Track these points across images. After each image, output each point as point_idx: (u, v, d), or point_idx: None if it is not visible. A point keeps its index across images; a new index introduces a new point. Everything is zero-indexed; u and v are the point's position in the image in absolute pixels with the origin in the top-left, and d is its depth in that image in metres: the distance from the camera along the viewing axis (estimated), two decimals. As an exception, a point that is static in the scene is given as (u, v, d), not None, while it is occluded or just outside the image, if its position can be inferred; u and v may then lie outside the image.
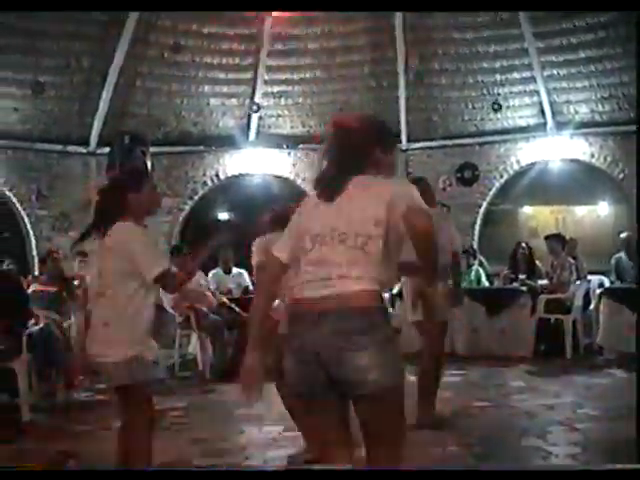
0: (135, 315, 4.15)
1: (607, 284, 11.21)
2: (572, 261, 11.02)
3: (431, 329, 6.61)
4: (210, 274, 11.22)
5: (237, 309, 10.11)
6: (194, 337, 10.14)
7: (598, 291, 10.83)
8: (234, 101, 13.85)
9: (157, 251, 4.24)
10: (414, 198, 3.08)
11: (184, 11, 12.17)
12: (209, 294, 10.22)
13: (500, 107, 13.42)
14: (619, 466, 4.07)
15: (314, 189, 3.32)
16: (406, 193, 3.12)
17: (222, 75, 13.55)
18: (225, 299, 10.35)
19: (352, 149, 3.24)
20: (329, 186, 3.20)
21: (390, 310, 11.39)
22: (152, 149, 12.17)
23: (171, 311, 10.00)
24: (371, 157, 3.24)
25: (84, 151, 13.27)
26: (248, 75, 13.60)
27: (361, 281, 3.03)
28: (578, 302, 10.64)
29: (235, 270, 11.48)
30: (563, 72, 13.02)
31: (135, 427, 4.27)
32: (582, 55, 12.73)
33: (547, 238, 11.30)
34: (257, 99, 13.57)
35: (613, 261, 11.47)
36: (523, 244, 11.73)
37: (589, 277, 11.68)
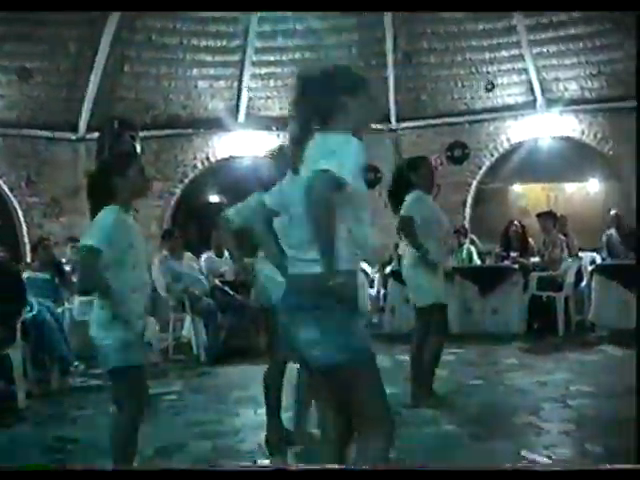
0: (123, 298, 4.14)
1: (598, 261, 11.23)
2: (563, 238, 11.06)
3: (437, 314, 6.64)
4: (202, 257, 11.21)
5: (230, 292, 10.11)
6: (188, 320, 10.13)
7: (590, 268, 10.87)
8: (222, 83, 13.81)
9: (95, 229, 4.16)
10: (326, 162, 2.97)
11: (184, 11, 12.22)
12: (202, 277, 10.22)
13: (493, 87, 13.42)
14: (619, 466, 4.09)
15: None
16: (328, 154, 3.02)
17: (210, 57, 13.50)
18: (218, 282, 10.35)
19: (314, 98, 3.20)
20: (293, 156, 3.22)
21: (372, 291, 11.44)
22: (141, 133, 12.14)
23: (164, 295, 10.00)
24: (336, 103, 3.18)
25: (73, 137, 13.23)
26: (236, 57, 13.55)
27: (313, 262, 3.04)
28: (570, 279, 10.67)
29: (227, 253, 11.47)
30: (552, 49, 13.01)
31: (124, 411, 4.29)
32: (571, 32, 12.72)
33: (539, 216, 11.32)
34: (245, 81, 13.53)
35: (604, 238, 11.50)
36: (515, 222, 11.76)
37: (580, 254, 11.71)
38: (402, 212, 6.48)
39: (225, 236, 5.83)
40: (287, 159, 4.43)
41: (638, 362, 4.00)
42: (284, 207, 3.40)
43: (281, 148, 5.42)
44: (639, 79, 5.64)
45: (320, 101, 3.19)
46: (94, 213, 4.28)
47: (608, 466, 4.13)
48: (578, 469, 3.96)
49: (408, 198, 6.52)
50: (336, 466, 3.15)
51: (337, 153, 2.98)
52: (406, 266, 6.72)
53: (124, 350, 4.14)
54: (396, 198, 6.72)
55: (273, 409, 5.48)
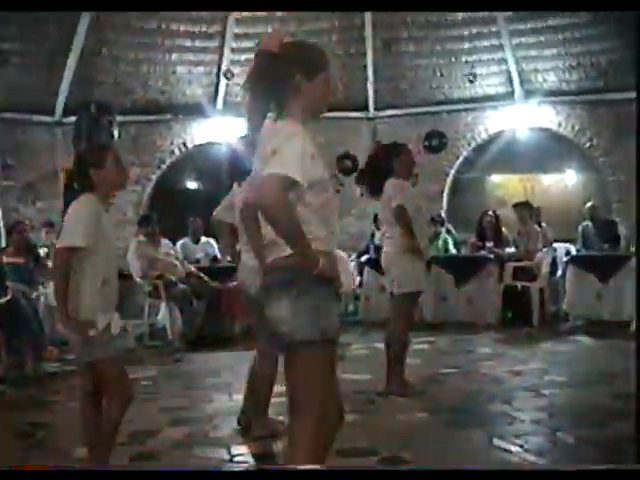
0: (87, 289, 4.12)
1: (573, 252, 11.30)
2: (539, 229, 11.13)
3: (409, 300, 6.64)
4: (178, 244, 11.23)
5: (206, 278, 10.11)
6: (163, 306, 10.11)
7: (565, 259, 10.94)
8: (201, 69, 13.74)
9: (75, 226, 4.11)
10: (273, 162, 2.95)
11: (180, 11, 12.20)
12: (178, 264, 10.20)
13: (475, 78, 13.38)
14: (619, 466, 4.13)
15: None
16: (275, 151, 2.98)
17: (189, 43, 13.42)
18: (194, 268, 10.34)
19: (266, 77, 3.13)
20: (249, 139, 3.24)
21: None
22: (119, 118, 12.08)
23: (139, 281, 9.98)
24: (289, 84, 3.11)
25: (50, 120, 13.11)
26: (215, 43, 13.48)
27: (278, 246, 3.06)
28: (545, 269, 10.74)
29: (203, 239, 11.49)
30: (531, 40, 13.03)
31: (109, 400, 4.27)
32: (550, 23, 12.73)
33: (515, 206, 11.38)
34: (224, 67, 13.47)
35: (580, 229, 11.56)
36: (490, 212, 11.81)
37: (555, 245, 11.78)
38: (393, 201, 6.43)
39: (222, 236, 5.87)
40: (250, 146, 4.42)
41: (638, 360, 4.02)
42: None
43: (247, 135, 5.38)
44: (639, 77, 5.62)
45: (275, 81, 3.12)
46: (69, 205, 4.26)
47: (608, 466, 4.18)
48: (578, 469, 4.00)
49: (389, 185, 6.51)
50: (336, 467, 3.15)
51: (280, 152, 2.93)
52: (389, 253, 6.68)
53: (92, 344, 4.12)
54: (372, 183, 6.71)
55: (260, 404, 5.45)
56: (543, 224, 11.70)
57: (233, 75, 13.41)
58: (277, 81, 3.11)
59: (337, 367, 3.24)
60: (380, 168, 6.67)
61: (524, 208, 11.22)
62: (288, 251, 2.99)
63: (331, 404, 3.20)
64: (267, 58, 3.13)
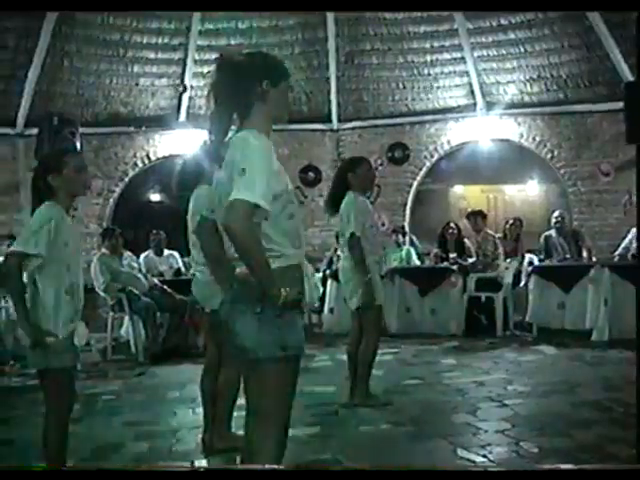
0: (47, 298, 4.08)
1: (536, 262, 11.38)
2: (494, 234, 11.23)
3: (371, 314, 6.64)
4: (142, 257, 11.16)
5: (169, 291, 10.06)
6: (126, 320, 10.05)
7: (528, 269, 11.01)
8: (164, 81, 13.69)
9: (29, 233, 4.08)
10: (239, 182, 2.94)
11: (175, 11, 12.16)
12: (141, 276, 10.15)
13: (432, 89, 13.47)
14: (619, 466, 4.15)
15: None
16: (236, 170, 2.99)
17: (152, 55, 13.37)
18: (157, 281, 10.29)
19: (231, 85, 3.14)
20: (210, 147, 3.23)
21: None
22: (81, 130, 11.98)
23: (103, 294, 9.91)
24: (254, 92, 3.14)
25: (11, 132, 12.99)
26: (178, 55, 13.45)
27: None
28: (508, 280, 10.81)
29: (167, 252, 11.44)
30: (493, 53, 13.14)
31: (50, 412, 4.23)
32: (511, 36, 12.86)
33: (468, 215, 11.50)
34: (187, 79, 13.44)
35: (542, 239, 11.64)
36: (452, 224, 11.89)
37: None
38: (347, 228, 6.46)
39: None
40: (211, 156, 4.41)
41: (638, 364, 4.04)
42: (217, 210, 3.33)
43: (205, 143, 5.37)
44: (639, 76, 5.69)
45: (239, 89, 3.14)
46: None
47: (608, 466, 4.20)
48: (578, 469, 4.02)
49: (345, 201, 6.52)
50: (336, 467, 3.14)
51: (249, 172, 2.93)
52: (345, 268, 6.69)
53: (47, 352, 4.08)
54: (333, 198, 6.73)
55: (222, 417, 5.42)
56: (521, 237, 11.71)
57: (185, 89, 13.39)
58: (243, 88, 3.13)
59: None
60: (338, 184, 6.70)
61: (477, 217, 11.33)
62: None
63: None
64: (232, 66, 3.15)
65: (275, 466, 2.97)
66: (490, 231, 11.38)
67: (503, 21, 12.76)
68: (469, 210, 12.07)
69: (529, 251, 11.95)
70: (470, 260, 11.28)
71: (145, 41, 13.20)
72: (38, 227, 4.05)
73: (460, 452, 5.08)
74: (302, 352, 3.13)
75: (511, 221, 11.84)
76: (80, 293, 4.26)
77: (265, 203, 2.91)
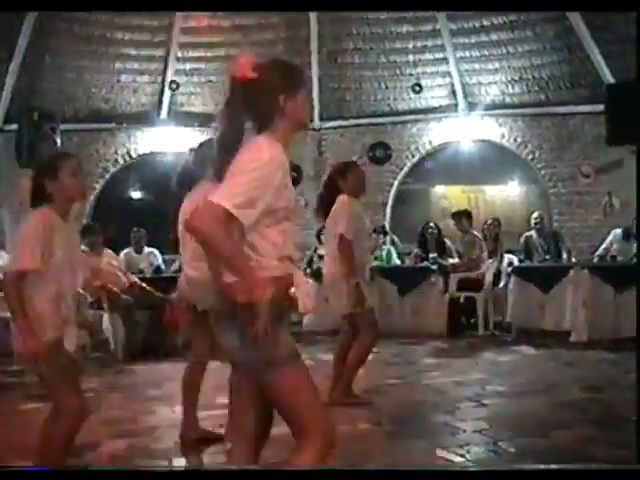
0: (38, 304, 4.03)
1: (516, 262, 11.41)
2: (480, 236, 11.24)
3: (365, 317, 6.64)
4: (122, 254, 11.12)
5: (149, 289, 10.03)
6: (106, 317, 10.00)
7: (508, 269, 11.04)
8: (146, 78, 13.65)
9: (24, 248, 4.01)
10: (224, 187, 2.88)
11: (178, 12, 12.16)
12: (121, 274, 10.10)
13: (421, 89, 13.50)
14: (619, 466, 4.16)
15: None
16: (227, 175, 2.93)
17: (134, 51, 13.33)
18: (137, 279, 10.25)
19: (248, 106, 3.06)
20: (219, 161, 3.05)
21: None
22: (62, 126, 11.92)
23: (82, 292, 9.85)
24: (273, 106, 3.04)
25: (-9, 128, 12.93)
26: (160, 52, 13.42)
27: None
28: (489, 280, 10.84)
29: (147, 249, 11.41)
30: (475, 54, 13.18)
31: (57, 415, 4.16)
32: (493, 37, 12.90)
33: (454, 215, 11.48)
34: (169, 76, 13.40)
35: (522, 239, 11.68)
36: (431, 224, 11.92)
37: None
38: (338, 227, 6.43)
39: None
40: (207, 157, 4.37)
41: (638, 365, 4.05)
42: None
43: (202, 145, 5.38)
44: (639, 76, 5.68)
45: (257, 109, 3.07)
46: None
47: (608, 466, 4.21)
48: (578, 469, 4.03)
49: (337, 204, 6.52)
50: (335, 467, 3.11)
51: (235, 176, 2.89)
52: (333, 273, 6.64)
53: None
54: (323, 204, 6.71)
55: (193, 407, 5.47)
56: (500, 237, 11.70)
57: (178, 86, 13.36)
58: (261, 107, 3.05)
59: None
60: (329, 190, 6.70)
61: (462, 216, 11.33)
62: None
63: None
64: (248, 85, 3.01)
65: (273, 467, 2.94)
66: (476, 232, 11.37)
67: (485, 22, 12.80)
68: (454, 210, 12.04)
69: (509, 251, 11.99)
70: (451, 260, 11.31)
71: (127, 37, 13.15)
72: (31, 241, 3.95)
73: (438, 452, 5.09)
74: (293, 360, 3.02)
75: (489, 221, 11.85)
76: (69, 300, 4.19)
77: (241, 213, 2.83)
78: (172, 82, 13.31)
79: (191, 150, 5.54)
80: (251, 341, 2.89)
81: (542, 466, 4.38)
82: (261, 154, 2.93)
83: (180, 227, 5.28)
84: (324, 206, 6.68)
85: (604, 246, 11.13)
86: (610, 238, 11.23)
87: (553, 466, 4.29)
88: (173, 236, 5.55)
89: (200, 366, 5.47)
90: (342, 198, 6.53)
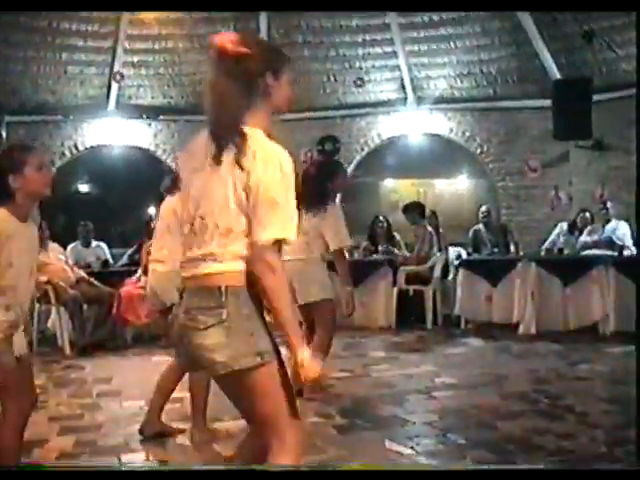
0: None
1: (464, 255, 11.48)
2: (431, 231, 11.27)
3: (327, 309, 6.65)
4: (69, 248, 11.00)
5: (97, 283, 9.92)
6: (53, 312, 9.88)
7: (456, 262, 11.10)
8: (93, 70, 13.47)
9: None
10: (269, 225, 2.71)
11: (182, 11, 12.09)
12: (67, 268, 9.98)
13: (363, 83, 13.53)
14: (619, 466, 4.19)
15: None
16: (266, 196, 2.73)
17: (81, 42, 13.13)
18: (84, 273, 10.14)
19: (233, 82, 2.82)
20: (212, 146, 2.82)
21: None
22: (7, 118, 11.76)
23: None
24: (259, 88, 2.85)
25: None
26: (108, 43, 13.24)
27: (213, 262, 2.79)
28: (437, 273, 10.89)
29: (94, 243, 11.30)
30: (424, 48, 13.23)
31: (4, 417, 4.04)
32: (442, 32, 12.95)
33: (406, 208, 11.46)
34: (117, 68, 13.25)
35: (471, 233, 11.76)
36: (381, 217, 11.94)
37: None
38: (337, 241, 6.48)
39: None
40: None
41: (638, 360, 4.08)
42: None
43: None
44: (639, 78, 5.71)
45: (242, 86, 2.83)
46: None
47: (608, 466, 4.24)
48: (578, 469, 4.05)
49: (333, 212, 6.54)
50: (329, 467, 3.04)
51: (280, 204, 2.75)
52: (308, 271, 6.61)
53: None
54: (313, 201, 6.58)
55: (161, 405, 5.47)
56: (440, 229, 11.76)
57: (122, 77, 13.21)
58: (246, 86, 2.82)
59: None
60: (319, 191, 6.61)
61: (414, 209, 11.35)
62: (214, 268, 2.77)
63: None
64: (233, 60, 2.81)
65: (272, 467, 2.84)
66: (428, 226, 11.39)
67: (435, 17, 12.84)
68: (406, 202, 12.02)
69: (458, 244, 12.07)
70: (399, 253, 11.36)
71: (74, 28, 12.93)
72: None
73: (388, 444, 5.11)
74: (275, 356, 2.84)
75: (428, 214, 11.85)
76: (25, 306, 4.03)
77: (292, 235, 2.75)
78: (117, 73, 13.13)
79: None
80: (241, 333, 2.74)
81: (541, 466, 4.41)
82: (277, 158, 2.81)
83: (160, 223, 5.31)
84: (316, 203, 6.62)
85: (551, 239, 11.25)
86: (557, 231, 11.36)
87: (551, 467, 4.34)
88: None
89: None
90: (335, 205, 6.72)
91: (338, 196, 6.72)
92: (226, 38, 2.83)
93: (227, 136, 2.80)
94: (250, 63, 2.82)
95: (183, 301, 2.89)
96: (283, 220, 2.72)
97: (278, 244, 2.75)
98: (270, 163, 2.77)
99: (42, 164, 3.96)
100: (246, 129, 2.81)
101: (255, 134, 2.82)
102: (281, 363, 2.86)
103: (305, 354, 2.75)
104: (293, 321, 2.79)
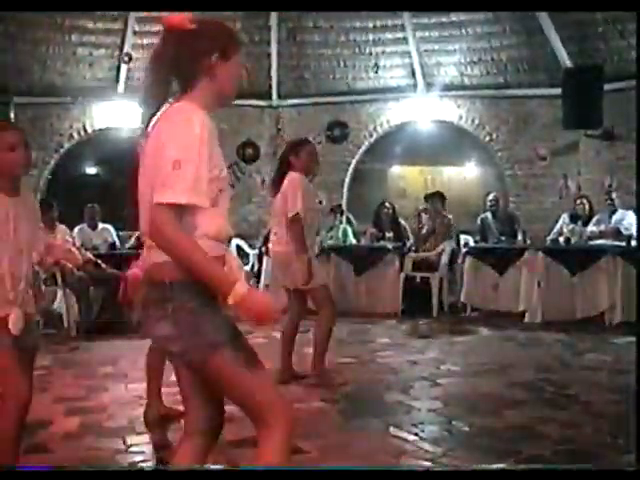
0: None
1: (471, 243, 11.46)
2: (452, 219, 11.30)
3: (320, 292, 6.66)
4: (76, 230, 11.01)
5: (103, 265, 9.92)
6: (59, 293, 9.90)
7: (463, 250, 11.09)
8: (102, 51, 13.43)
9: None
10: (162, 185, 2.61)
11: (182, 11, 11.81)
12: (74, 250, 9.97)
13: (378, 68, 13.49)
14: (619, 467, 4.19)
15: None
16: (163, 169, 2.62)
17: (90, 24, 13.08)
18: (91, 255, 10.13)
19: (176, 55, 2.79)
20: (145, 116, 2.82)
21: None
22: (15, 99, 11.74)
23: (36, 267, 9.72)
24: (202, 65, 2.78)
25: (-59, 100, 12.67)
26: (118, 25, 13.20)
27: (157, 251, 2.68)
28: (444, 260, 10.88)
29: (102, 225, 11.30)
30: (434, 34, 13.15)
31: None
32: (453, 19, 12.87)
33: (427, 197, 11.51)
34: (126, 50, 13.21)
35: (478, 221, 11.73)
36: (387, 203, 11.94)
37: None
38: (290, 208, 6.37)
39: None
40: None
41: (638, 356, 4.08)
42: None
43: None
44: (639, 76, 5.67)
45: (185, 60, 2.80)
46: None
47: (609, 466, 4.24)
48: (578, 469, 4.06)
49: (287, 181, 6.50)
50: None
51: (182, 165, 2.60)
52: (280, 253, 6.64)
53: None
54: (275, 180, 6.73)
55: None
56: (450, 215, 11.74)
57: (131, 59, 13.15)
58: (189, 59, 2.79)
59: None
60: (280, 166, 6.71)
61: (436, 199, 11.39)
62: (164, 257, 2.66)
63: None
64: (179, 34, 2.78)
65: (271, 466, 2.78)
66: (450, 215, 11.41)
67: (445, 3, 12.77)
68: (428, 192, 12.05)
69: (465, 232, 12.05)
70: (408, 242, 11.40)
71: (83, 10, 12.91)
72: None
73: (393, 430, 5.12)
74: (234, 341, 2.74)
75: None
76: (21, 283, 4.04)
77: (198, 200, 2.62)
78: (125, 54, 13.06)
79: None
80: (188, 327, 2.67)
81: (539, 466, 4.40)
82: (189, 125, 2.66)
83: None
84: (276, 182, 6.67)
85: (556, 229, 11.22)
86: (561, 221, 11.32)
87: (550, 466, 4.33)
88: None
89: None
90: (293, 175, 6.51)
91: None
92: (179, 15, 2.79)
93: (152, 109, 2.81)
94: (196, 40, 2.79)
95: (141, 296, 2.86)
96: (174, 180, 2.60)
97: (180, 211, 2.62)
98: (177, 125, 2.68)
99: (15, 144, 3.88)
100: (177, 104, 2.78)
101: (177, 108, 2.76)
102: (245, 347, 2.78)
103: (239, 289, 2.61)
104: (206, 264, 2.62)
